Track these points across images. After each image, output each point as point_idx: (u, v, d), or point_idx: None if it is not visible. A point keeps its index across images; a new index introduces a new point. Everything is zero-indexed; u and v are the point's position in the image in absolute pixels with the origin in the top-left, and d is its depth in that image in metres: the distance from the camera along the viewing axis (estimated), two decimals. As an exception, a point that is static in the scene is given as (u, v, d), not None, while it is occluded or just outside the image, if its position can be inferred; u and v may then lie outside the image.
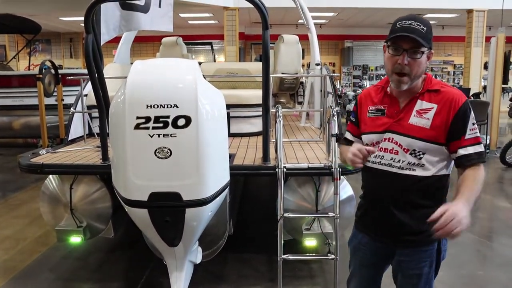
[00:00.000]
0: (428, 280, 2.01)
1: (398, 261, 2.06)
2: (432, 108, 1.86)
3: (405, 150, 1.90)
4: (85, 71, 3.33)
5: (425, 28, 1.81)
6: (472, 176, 1.83)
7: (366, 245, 2.14)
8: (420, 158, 1.88)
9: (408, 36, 1.78)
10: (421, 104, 1.89)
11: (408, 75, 1.84)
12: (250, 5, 3.00)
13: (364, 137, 2.06)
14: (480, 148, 1.85)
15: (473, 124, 1.86)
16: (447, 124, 1.84)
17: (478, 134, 1.88)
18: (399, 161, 1.92)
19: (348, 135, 2.20)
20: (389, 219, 1.98)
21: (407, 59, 1.81)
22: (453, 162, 1.92)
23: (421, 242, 1.91)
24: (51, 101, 8.21)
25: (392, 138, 1.92)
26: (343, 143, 2.21)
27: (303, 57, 7.26)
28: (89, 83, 3.49)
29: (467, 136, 1.84)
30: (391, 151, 1.93)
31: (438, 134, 1.85)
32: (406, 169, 1.91)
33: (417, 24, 1.80)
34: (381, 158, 1.96)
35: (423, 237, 1.89)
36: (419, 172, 1.90)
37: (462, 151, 1.84)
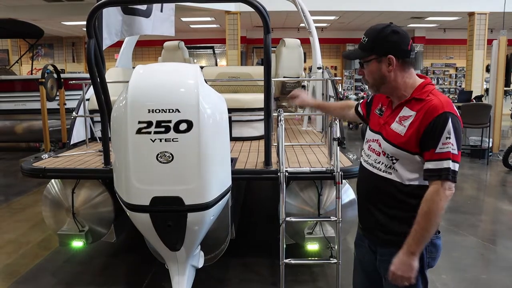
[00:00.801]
0: (410, 287, 1.96)
1: (379, 261, 2.07)
2: (411, 115, 1.86)
3: (383, 153, 1.96)
4: (87, 75, 3.34)
5: (366, 39, 1.91)
6: (422, 209, 1.80)
7: (364, 241, 2.18)
8: (394, 163, 1.92)
9: (344, 54, 2.07)
10: (404, 111, 1.91)
11: (368, 82, 1.99)
12: (251, 9, 3.00)
13: (367, 132, 2.14)
14: (447, 164, 1.76)
15: (448, 138, 1.76)
16: (419, 133, 1.81)
17: (451, 149, 1.76)
18: (379, 162, 1.98)
19: (358, 106, 2.35)
20: (368, 216, 2.05)
21: (361, 70, 2.01)
22: None
23: (398, 243, 1.89)
24: (53, 105, 8.25)
25: (378, 140, 2.00)
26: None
27: (304, 61, 7.28)
28: (91, 87, 3.50)
29: (437, 150, 1.77)
30: (375, 152, 2.01)
31: (409, 142, 1.84)
32: (384, 172, 1.96)
33: (362, 38, 1.94)
34: (368, 157, 2.06)
35: (400, 238, 1.88)
36: (394, 177, 1.92)
37: (428, 165, 1.80)
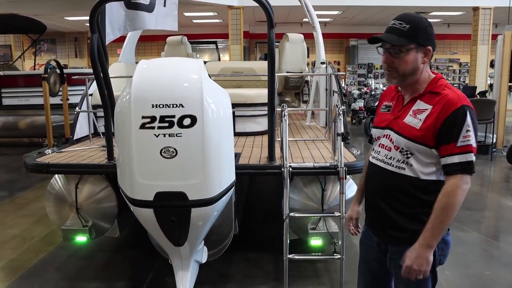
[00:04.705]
0: (422, 284, 1.95)
1: (389, 259, 2.05)
2: (427, 109, 1.84)
3: (396, 148, 1.91)
4: (90, 70, 3.33)
5: (407, 26, 1.82)
6: (440, 202, 1.79)
7: (370, 239, 2.16)
8: (408, 157, 1.88)
9: (380, 38, 1.86)
10: (418, 105, 1.88)
11: (395, 71, 1.88)
12: (254, 3, 2.99)
13: (372, 130, 2.11)
14: (469, 157, 1.78)
15: (468, 131, 1.77)
16: (436, 127, 1.79)
17: (471, 142, 1.78)
18: (390, 158, 1.94)
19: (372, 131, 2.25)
20: (379, 213, 2.01)
21: (389, 58, 1.87)
22: None
23: (410, 240, 1.88)
24: (56, 100, 8.25)
25: (389, 135, 1.95)
26: (369, 140, 2.26)
27: (308, 56, 7.25)
28: (94, 82, 3.49)
29: (458, 144, 1.77)
30: (386, 147, 1.97)
31: (426, 135, 1.82)
32: (396, 167, 1.92)
33: (399, 23, 1.83)
34: (378, 154, 2.02)
35: (413, 236, 1.86)
36: (407, 172, 1.89)
37: (449, 159, 1.79)
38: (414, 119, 1.86)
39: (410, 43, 1.82)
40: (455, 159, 1.78)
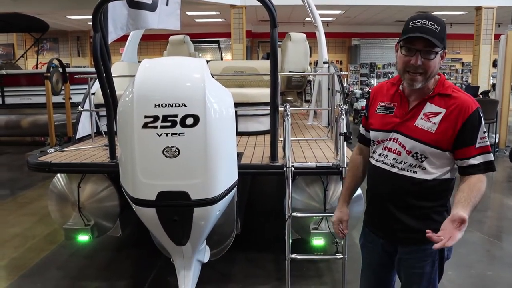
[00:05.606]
0: (431, 280, 1.97)
1: (399, 259, 2.05)
2: (440, 112, 1.83)
3: (408, 152, 1.89)
4: (93, 69, 3.33)
5: (438, 28, 1.77)
6: (476, 185, 1.77)
7: (372, 242, 2.15)
8: (422, 161, 1.87)
9: (421, 37, 1.75)
10: (429, 107, 1.85)
11: (422, 74, 1.80)
12: (257, 3, 2.98)
13: (371, 133, 2.06)
14: (490, 157, 1.82)
15: (484, 132, 1.82)
16: (455, 131, 1.80)
17: (488, 143, 1.83)
18: (401, 162, 1.91)
19: (361, 129, 2.21)
20: (388, 217, 1.99)
21: (420, 60, 1.78)
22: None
23: (421, 240, 1.85)
24: (58, 99, 8.26)
25: (397, 139, 1.92)
26: (359, 139, 2.24)
27: (310, 55, 7.24)
28: (97, 81, 3.49)
29: (477, 145, 1.80)
30: (394, 151, 1.93)
31: (442, 139, 1.82)
32: (407, 171, 1.90)
33: (430, 24, 1.76)
34: (384, 157, 1.97)
35: (423, 235, 1.85)
36: (420, 175, 1.88)
37: (471, 161, 1.81)
38: (427, 123, 1.84)
39: (440, 46, 1.79)
40: (478, 159, 1.80)
